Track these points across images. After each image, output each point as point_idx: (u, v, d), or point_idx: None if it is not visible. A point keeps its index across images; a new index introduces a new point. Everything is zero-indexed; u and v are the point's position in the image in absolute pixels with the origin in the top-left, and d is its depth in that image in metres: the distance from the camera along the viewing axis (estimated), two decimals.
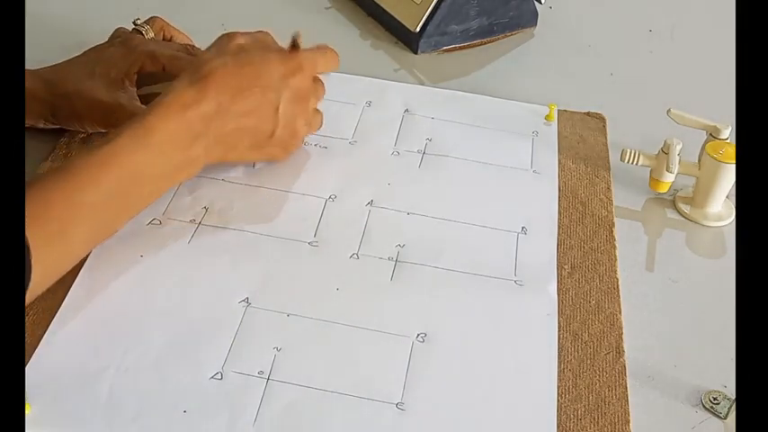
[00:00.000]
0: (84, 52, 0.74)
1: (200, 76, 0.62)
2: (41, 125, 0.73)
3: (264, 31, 0.70)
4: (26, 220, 0.50)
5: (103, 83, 0.71)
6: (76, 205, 0.57)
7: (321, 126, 0.73)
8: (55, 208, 0.55)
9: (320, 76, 0.71)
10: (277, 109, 0.65)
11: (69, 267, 0.58)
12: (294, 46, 0.67)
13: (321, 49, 0.70)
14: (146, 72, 0.74)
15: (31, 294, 0.54)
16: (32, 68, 0.72)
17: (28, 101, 0.70)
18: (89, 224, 0.58)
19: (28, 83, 0.70)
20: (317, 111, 0.72)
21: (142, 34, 0.76)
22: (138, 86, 0.74)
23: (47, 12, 0.91)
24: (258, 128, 0.66)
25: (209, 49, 0.67)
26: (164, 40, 0.78)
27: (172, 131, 0.60)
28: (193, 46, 0.78)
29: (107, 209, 0.59)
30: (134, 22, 0.78)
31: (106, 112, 0.71)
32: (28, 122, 0.73)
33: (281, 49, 0.67)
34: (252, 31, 0.69)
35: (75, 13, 0.92)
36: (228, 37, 0.67)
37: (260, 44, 0.68)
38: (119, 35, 0.76)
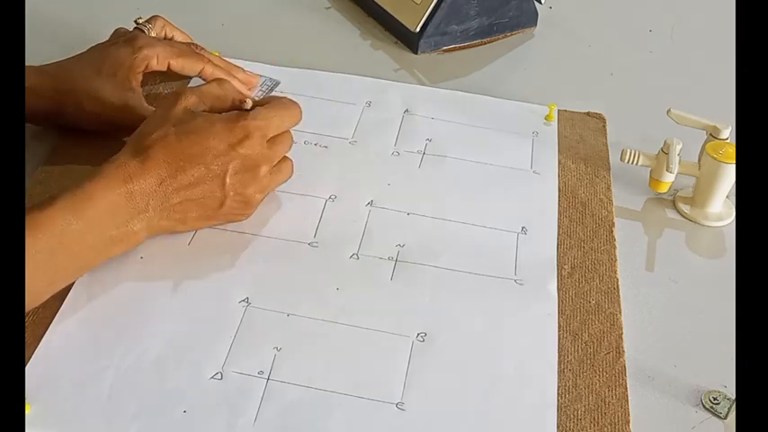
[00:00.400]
0: (89, 50, 0.74)
1: (142, 147, 0.60)
2: (47, 123, 0.73)
3: (221, 78, 0.68)
4: None
5: (110, 83, 0.71)
6: None
7: (291, 175, 0.68)
8: None
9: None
10: (224, 180, 0.62)
11: None
12: (246, 108, 0.64)
13: (276, 105, 0.65)
14: (150, 71, 0.74)
15: None
16: (34, 65, 0.71)
17: (33, 96, 0.70)
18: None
19: (34, 79, 0.70)
20: (285, 159, 0.67)
21: (144, 33, 0.77)
22: (143, 85, 0.74)
23: (46, 11, 0.91)
24: (205, 200, 0.62)
25: (154, 112, 0.64)
26: (165, 38, 0.78)
27: (110, 205, 0.58)
28: (197, 44, 0.79)
29: (38, 276, 0.55)
30: (135, 21, 0.78)
31: (113, 112, 0.71)
32: (33, 120, 0.73)
33: (229, 115, 0.63)
34: (209, 82, 0.66)
35: (74, 13, 0.92)
36: (176, 97, 0.63)
37: (212, 100, 0.64)
38: (120, 35, 0.76)
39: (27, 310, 0.57)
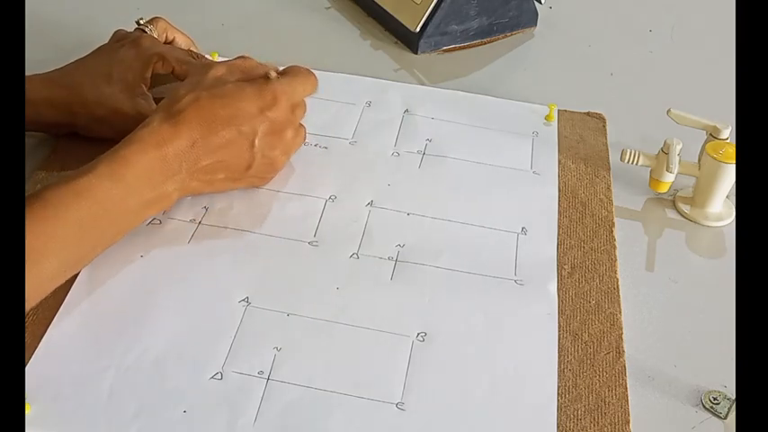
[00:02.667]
0: (94, 53, 0.74)
1: (174, 111, 0.62)
2: (58, 132, 0.73)
3: (245, 56, 0.69)
4: None
5: (122, 88, 0.71)
6: (48, 236, 0.55)
7: (305, 140, 0.71)
8: (26, 238, 0.53)
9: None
10: (253, 142, 0.64)
11: (39, 299, 0.56)
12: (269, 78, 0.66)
13: (297, 73, 0.68)
14: (155, 74, 0.74)
15: None
16: (37, 71, 0.71)
17: (46, 108, 0.70)
18: (60, 256, 0.56)
19: (45, 91, 0.70)
20: (300, 126, 0.70)
21: (147, 34, 0.76)
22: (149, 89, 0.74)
23: (46, 12, 0.91)
24: (234, 162, 0.65)
25: (185, 80, 0.67)
26: (166, 41, 0.78)
27: (146, 168, 0.60)
28: (197, 53, 0.78)
29: (78, 241, 0.57)
30: (137, 22, 0.78)
31: (126, 120, 0.70)
32: (46, 130, 0.73)
33: (257, 80, 0.66)
34: (231, 58, 0.68)
35: (74, 14, 0.92)
36: (206, 67, 0.66)
37: (239, 73, 0.66)
38: (121, 37, 0.76)
39: (71, 275, 0.59)
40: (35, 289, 0.55)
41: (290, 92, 0.66)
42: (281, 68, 0.69)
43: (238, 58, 0.68)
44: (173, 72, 0.74)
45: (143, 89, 0.72)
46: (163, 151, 0.60)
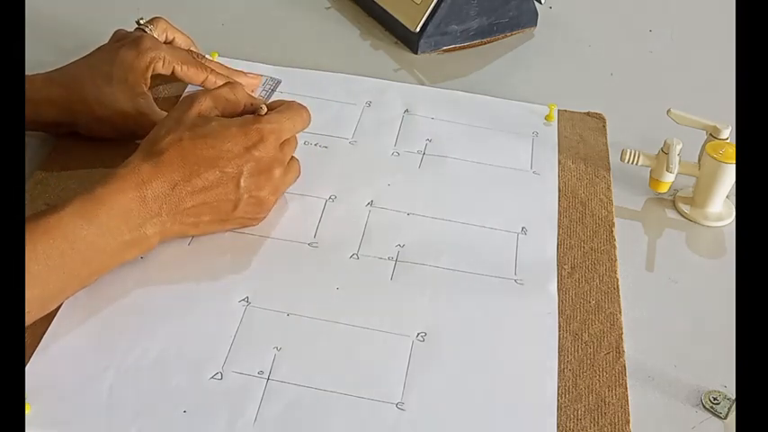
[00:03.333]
0: (95, 53, 0.74)
1: (156, 151, 0.60)
2: (59, 131, 0.73)
3: (233, 82, 0.68)
4: None
5: (122, 89, 0.70)
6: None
7: (299, 174, 0.68)
8: None
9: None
10: (238, 183, 0.62)
11: None
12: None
13: (288, 108, 0.66)
14: (156, 74, 0.74)
15: None
16: (37, 71, 0.71)
17: (47, 107, 0.70)
18: (31, 294, 0.54)
19: (45, 90, 0.70)
20: (292, 161, 0.67)
21: (147, 34, 0.76)
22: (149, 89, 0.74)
23: (45, 12, 0.91)
24: (219, 204, 0.62)
25: (168, 116, 0.64)
26: (166, 41, 0.78)
27: (123, 209, 0.58)
28: (197, 53, 0.78)
29: (50, 281, 0.55)
30: (137, 22, 0.78)
31: (126, 119, 0.70)
32: (46, 130, 0.73)
33: (243, 118, 0.63)
34: (221, 86, 0.66)
35: (73, 14, 0.92)
36: (190, 101, 0.64)
37: (224, 106, 0.64)
38: (121, 36, 0.76)
39: (37, 317, 0.56)
40: None
41: (278, 129, 0.64)
42: (265, 94, 0.67)
43: (226, 84, 0.66)
44: (173, 72, 0.74)
45: (143, 89, 0.71)
46: (142, 192, 0.58)
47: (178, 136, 0.61)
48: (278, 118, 0.64)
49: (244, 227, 0.66)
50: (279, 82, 0.82)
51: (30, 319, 0.56)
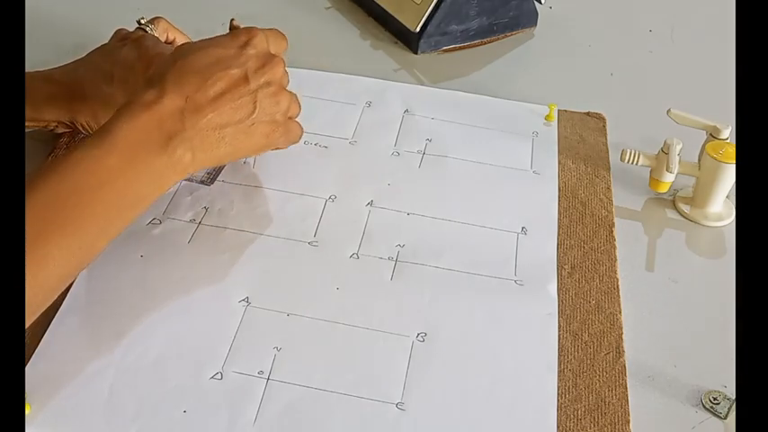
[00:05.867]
0: (95, 53, 0.73)
1: (154, 77, 0.60)
2: (59, 129, 0.73)
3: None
4: None
5: (122, 89, 0.70)
6: (55, 222, 0.52)
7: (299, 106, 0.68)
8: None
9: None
10: (246, 80, 0.61)
11: (46, 299, 0.52)
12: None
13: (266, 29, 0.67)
14: None
15: None
16: (36, 69, 0.71)
17: (46, 105, 0.69)
18: (74, 240, 0.53)
19: (45, 90, 0.70)
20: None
21: (148, 33, 0.76)
22: None
23: (45, 12, 0.91)
24: (236, 108, 0.61)
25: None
26: (166, 41, 0.78)
27: (141, 133, 0.57)
28: None
29: (87, 222, 0.53)
30: (138, 21, 0.78)
31: None
32: (46, 126, 0.72)
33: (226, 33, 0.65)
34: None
35: (73, 14, 0.92)
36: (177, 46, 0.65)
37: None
38: (122, 36, 0.76)
39: (83, 265, 0.55)
40: (40, 286, 0.52)
41: (261, 33, 0.65)
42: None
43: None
44: None
45: None
46: (155, 114, 0.57)
47: (171, 60, 0.61)
48: (259, 30, 0.66)
49: (273, 140, 0.65)
50: None
51: (82, 266, 0.54)
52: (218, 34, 0.66)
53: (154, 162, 0.57)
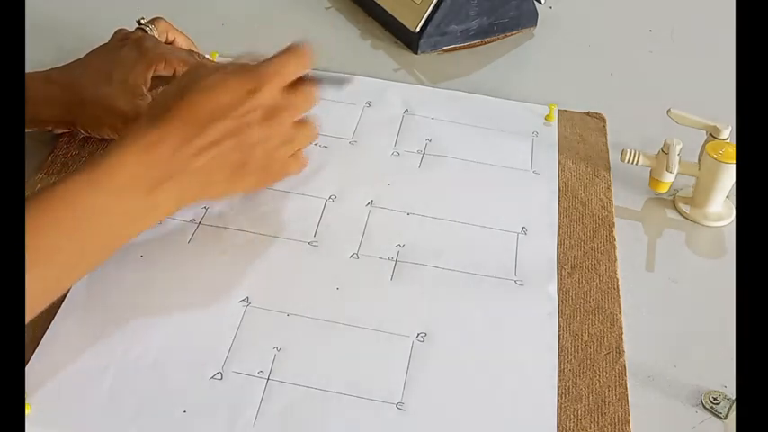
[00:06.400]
0: (95, 53, 0.73)
1: (159, 112, 0.58)
2: (59, 130, 0.73)
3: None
4: None
5: (121, 89, 0.70)
6: (32, 249, 0.51)
7: (316, 137, 0.66)
8: None
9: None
10: (245, 134, 0.60)
11: (28, 317, 0.52)
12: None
13: (290, 50, 0.62)
14: (157, 75, 0.73)
15: None
16: (35, 70, 0.71)
17: (46, 106, 0.69)
18: (47, 270, 0.53)
19: (44, 90, 0.69)
20: (304, 122, 0.64)
21: (148, 34, 0.76)
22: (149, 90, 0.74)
23: (45, 12, 0.91)
24: (228, 159, 0.60)
25: (175, 80, 0.63)
26: (167, 42, 0.78)
27: (131, 174, 0.56)
28: (198, 54, 0.78)
29: (63, 253, 0.54)
30: (138, 22, 0.78)
31: (125, 121, 0.70)
32: (45, 127, 0.72)
33: (242, 66, 0.61)
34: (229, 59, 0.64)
35: (73, 14, 0.92)
36: (197, 65, 0.63)
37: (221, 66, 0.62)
38: (122, 37, 0.76)
39: (55, 296, 0.55)
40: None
41: (277, 72, 0.61)
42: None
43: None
44: (174, 73, 0.74)
45: (143, 90, 0.71)
46: (148, 155, 0.57)
47: (180, 94, 0.59)
48: (278, 60, 0.62)
49: (258, 187, 0.64)
50: None
51: (48, 299, 0.54)
52: (233, 60, 0.62)
53: (136, 205, 0.57)
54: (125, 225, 0.57)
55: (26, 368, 0.56)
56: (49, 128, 0.73)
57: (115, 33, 0.76)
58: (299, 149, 0.66)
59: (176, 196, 0.59)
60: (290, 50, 0.63)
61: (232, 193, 0.64)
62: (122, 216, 0.57)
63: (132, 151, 0.57)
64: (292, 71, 0.62)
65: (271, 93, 0.61)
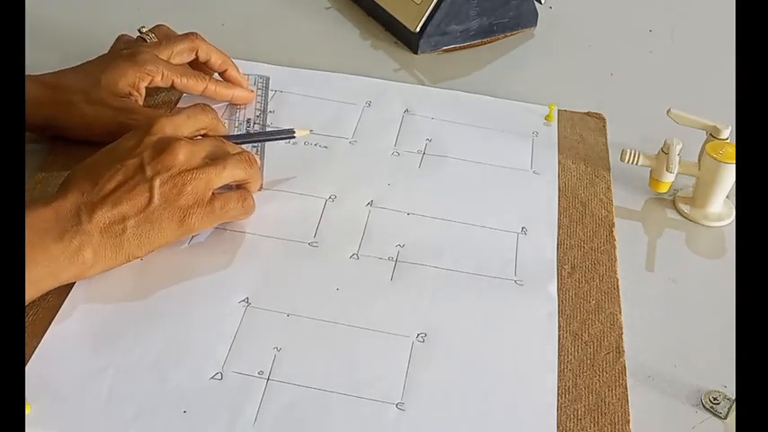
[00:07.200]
0: (92, 60, 0.74)
1: (65, 179, 0.61)
2: (46, 133, 0.73)
3: (202, 104, 0.67)
4: None
5: (106, 96, 0.70)
6: None
7: (257, 164, 0.65)
8: None
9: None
10: (143, 169, 0.60)
11: None
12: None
13: (189, 107, 0.65)
14: (154, 86, 0.73)
15: None
16: (33, 74, 0.71)
17: (33, 108, 0.69)
18: None
19: (32, 90, 0.69)
20: (226, 158, 0.63)
21: (146, 41, 0.76)
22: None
23: (46, 16, 0.91)
24: (133, 198, 0.59)
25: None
26: (197, 60, 0.77)
27: (40, 222, 0.57)
28: (237, 68, 0.78)
29: None
30: (139, 30, 0.78)
31: (107, 128, 0.69)
32: (34, 130, 0.72)
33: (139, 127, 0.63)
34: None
35: (73, 13, 0.92)
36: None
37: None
38: (123, 43, 0.76)
39: None
40: None
41: (171, 118, 0.63)
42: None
43: (195, 106, 0.66)
44: (173, 84, 0.74)
45: (128, 103, 0.71)
46: (54, 205, 0.58)
47: (79, 164, 0.62)
48: (175, 113, 0.64)
49: (197, 218, 0.62)
50: (267, 78, 0.82)
51: None
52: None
53: (50, 249, 0.57)
54: (41, 269, 0.56)
55: (26, 368, 0.56)
56: (37, 132, 0.72)
57: (118, 39, 0.77)
58: (244, 188, 0.66)
59: (92, 246, 0.58)
60: (192, 106, 0.66)
61: (161, 239, 0.61)
62: (37, 259, 0.56)
63: (40, 207, 0.58)
64: (184, 122, 0.64)
65: (162, 128, 0.62)
